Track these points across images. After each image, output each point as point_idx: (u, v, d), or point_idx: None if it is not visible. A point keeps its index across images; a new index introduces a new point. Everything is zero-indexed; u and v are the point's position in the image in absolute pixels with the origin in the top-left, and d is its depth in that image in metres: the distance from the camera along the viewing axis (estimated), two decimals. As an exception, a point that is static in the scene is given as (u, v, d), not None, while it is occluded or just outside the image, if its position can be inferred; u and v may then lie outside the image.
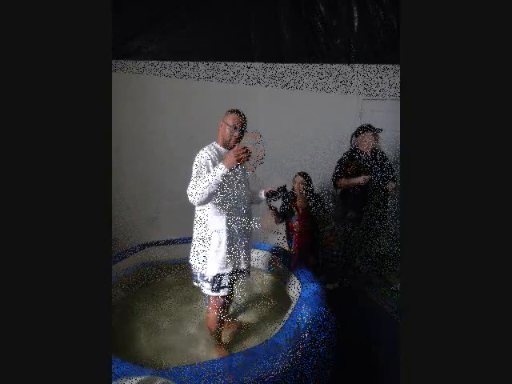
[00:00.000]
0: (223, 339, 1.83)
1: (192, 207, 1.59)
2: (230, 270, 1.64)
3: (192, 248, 1.71)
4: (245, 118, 1.60)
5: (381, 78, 3.03)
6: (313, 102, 3.09)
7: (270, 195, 1.75)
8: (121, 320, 2.02)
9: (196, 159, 1.54)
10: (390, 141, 2.99)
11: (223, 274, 1.63)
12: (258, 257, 2.53)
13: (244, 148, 1.40)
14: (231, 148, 1.48)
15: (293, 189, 2.64)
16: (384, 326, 2.18)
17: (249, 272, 1.84)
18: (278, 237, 3.07)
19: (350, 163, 2.59)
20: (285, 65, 3.00)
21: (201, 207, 1.58)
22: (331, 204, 2.84)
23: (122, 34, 2.77)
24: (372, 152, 2.58)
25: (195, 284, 1.74)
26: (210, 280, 1.63)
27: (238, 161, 1.38)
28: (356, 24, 2.96)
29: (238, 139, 1.58)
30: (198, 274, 1.69)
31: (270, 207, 2.03)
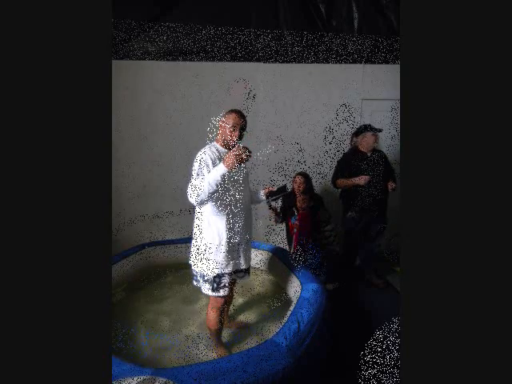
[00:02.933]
0: (223, 339, 1.83)
1: (192, 207, 1.59)
2: (229, 269, 1.64)
3: (192, 248, 1.71)
4: (245, 118, 1.60)
5: (381, 77, 3.03)
6: (313, 102, 3.09)
7: (270, 195, 1.75)
8: (121, 320, 2.02)
9: (196, 159, 1.54)
10: (389, 141, 3.00)
11: (223, 274, 1.63)
12: (258, 257, 2.54)
13: (244, 148, 1.40)
14: (231, 148, 1.48)
15: (293, 189, 2.64)
16: (384, 324, 2.18)
17: (249, 272, 1.84)
18: (278, 237, 3.07)
19: (350, 163, 2.59)
20: (285, 65, 3.01)
21: (201, 207, 1.58)
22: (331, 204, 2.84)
23: (122, 34, 2.78)
24: (372, 152, 2.58)
25: (195, 284, 1.73)
26: (210, 280, 1.63)
27: (238, 161, 1.38)
28: (356, 24, 2.97)
29: (238, 139, 1.58)
30: (198, 274, 1.69)
31: (270, 207, 2.03)
